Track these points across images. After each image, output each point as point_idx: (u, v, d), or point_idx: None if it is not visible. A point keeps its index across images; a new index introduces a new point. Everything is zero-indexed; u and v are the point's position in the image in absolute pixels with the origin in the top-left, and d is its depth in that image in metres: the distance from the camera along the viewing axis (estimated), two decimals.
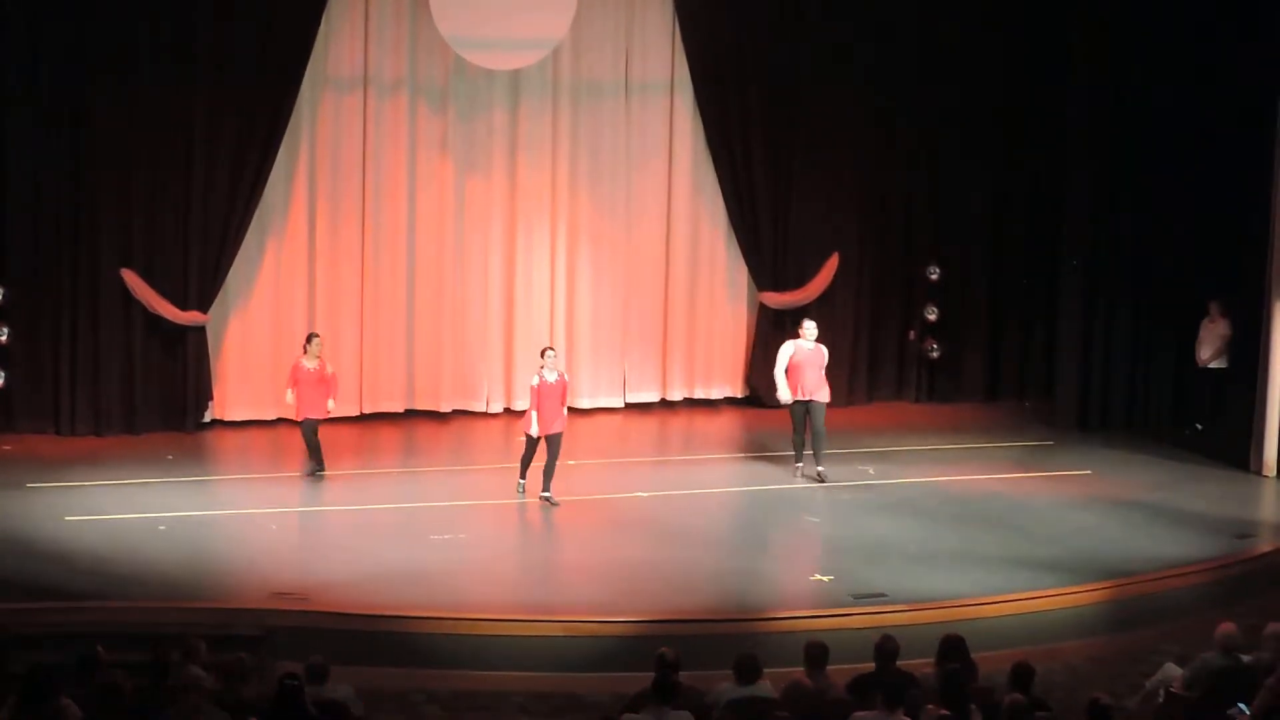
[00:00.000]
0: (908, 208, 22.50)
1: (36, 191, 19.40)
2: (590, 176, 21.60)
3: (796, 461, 18.73)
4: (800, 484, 18.42)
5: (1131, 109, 20.95)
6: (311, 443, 18.16)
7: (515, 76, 21.05)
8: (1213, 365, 20.60)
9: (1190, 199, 20.79)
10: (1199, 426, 20.72)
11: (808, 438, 18.59)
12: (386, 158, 20.78)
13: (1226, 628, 12.24)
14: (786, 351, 18.62)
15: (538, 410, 17.14)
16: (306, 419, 18.15)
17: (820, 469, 18.46)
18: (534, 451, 17.36)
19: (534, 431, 17.18)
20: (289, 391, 18.33)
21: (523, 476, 17.52)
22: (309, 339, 18.41)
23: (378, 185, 20.77)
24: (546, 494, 17.32)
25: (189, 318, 19.93)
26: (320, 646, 12.39)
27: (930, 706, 10.73)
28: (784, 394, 18.55)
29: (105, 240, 19.64)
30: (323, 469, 18.19)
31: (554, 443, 17.28)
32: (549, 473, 17.32)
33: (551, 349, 17.63)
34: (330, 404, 18.30)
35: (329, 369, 18.38)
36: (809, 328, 18.67)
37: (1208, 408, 20.78)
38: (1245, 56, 19.86)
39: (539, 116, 21.25)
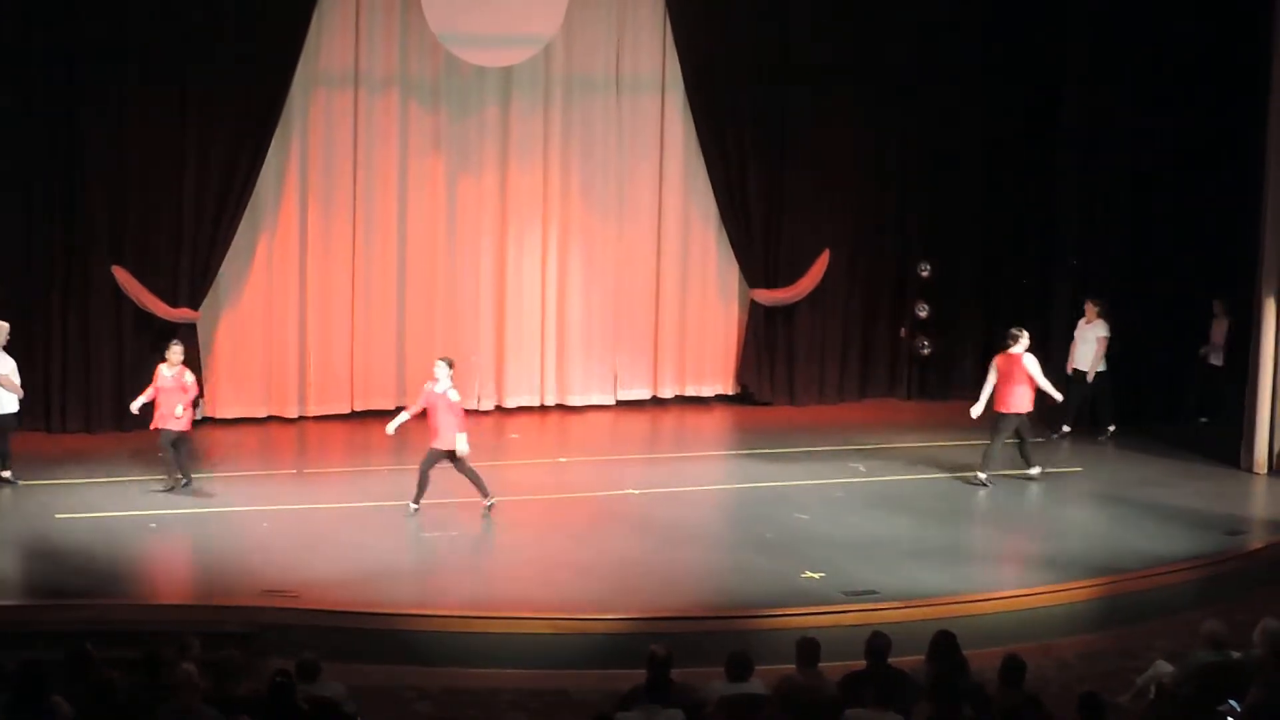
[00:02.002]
0: (898, 204, 22.52)
1: (27, 189, 19.37)
2: (581, 174, 21.60)
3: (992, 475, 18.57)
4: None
5: (1123, 107, 20.96)
6: (165, 455, 17.31)
7: (507, 73, 21.04)
8: (1082, 368, 20.48)
9: (1182, 196, 20.80)
10: (1067, 429, 20.57)
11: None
12: (378, 155, 20.77)
13: (1213, 624, 12.27)
14: (1035, 362, 18.51)
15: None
16: (162, 429, 17.27)
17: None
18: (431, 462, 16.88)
19: None
20: (140, 399, 17.54)
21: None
22: (169, 345, 17.54)
23: (369, 182, 20.76)
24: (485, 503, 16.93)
25: (180, 315, 19.90)
26: (311, 644, 12.39)
27: (922, 703, 10.75)
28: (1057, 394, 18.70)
29: (96, 237, 19.61)
30: (187, 480, 17.41)
31: (454, 461, 16.82)
32: (474, 483, 16.87)
33: (441, 360, 17.08)
34: (179, 410, 17.18)
35: (187, 377, 17.44)
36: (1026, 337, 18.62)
37: (1084, 415, 20.71)
38: (1235, 54, 19.88)
39: (530, 114, 21.24)
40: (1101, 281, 21.19)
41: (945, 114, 22.24)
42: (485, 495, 16.87)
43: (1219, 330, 20.70)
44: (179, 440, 17.36)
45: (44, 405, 19.69)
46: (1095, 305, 20.42)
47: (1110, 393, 20.59)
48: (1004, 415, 18.44)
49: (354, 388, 20.94)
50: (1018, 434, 18.53)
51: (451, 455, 16.75)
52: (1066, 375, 20.51)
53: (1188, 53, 20.45)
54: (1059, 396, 18.82)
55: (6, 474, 17.56)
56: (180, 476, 17.39)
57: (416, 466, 16.88)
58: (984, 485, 18.36)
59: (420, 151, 20.95)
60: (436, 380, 16.89)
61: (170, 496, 17.21)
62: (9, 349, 17.60)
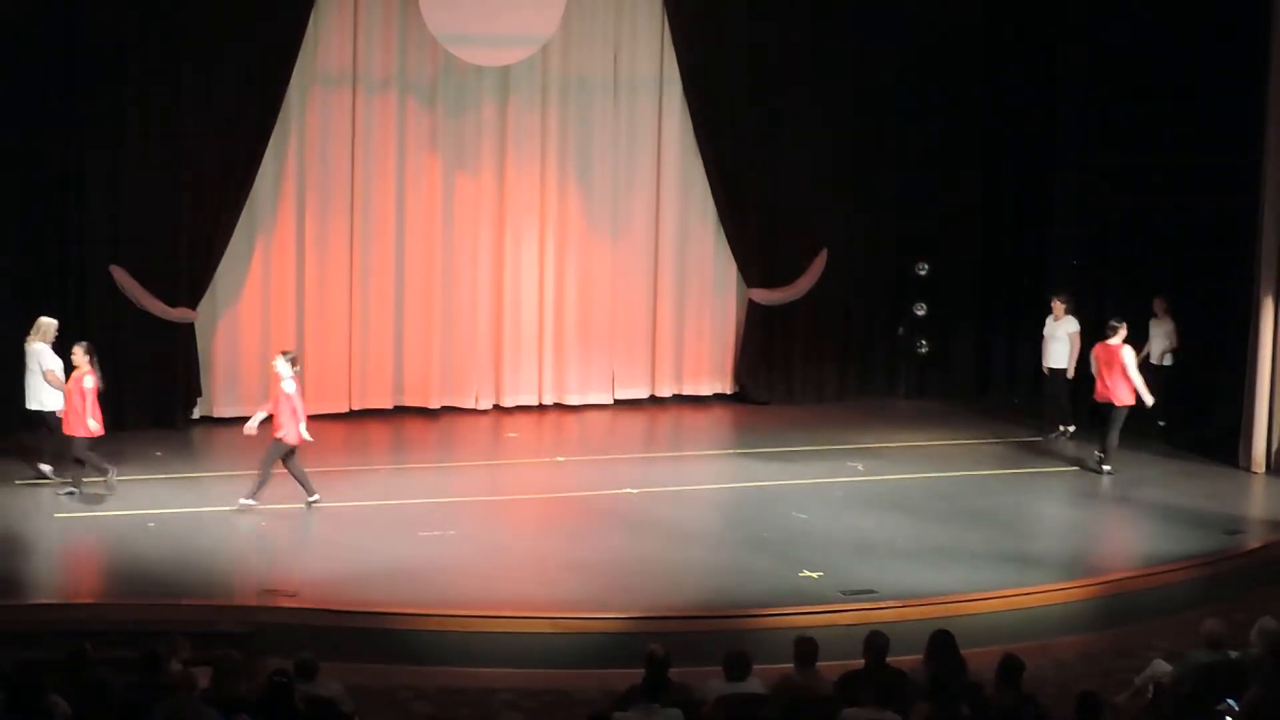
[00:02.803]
0: (896, 204, 22.51)
1: (25, 188, 19.35)
2: (579, 173, 21.60)
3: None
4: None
5: (1121, 105, 20.98)
6: (84, 458, 16.97)
7: (504, 73, 21.04)
8: (1058, 365, 20.37)
9: (1180, 196, 20.78)
10: (1071, 429, 20.45)
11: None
12: (375, 154, 20.77)
13: (1212, 623, 12.28)
14: (1131, 355, 18.88)
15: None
16: (72, 435, 16.90)
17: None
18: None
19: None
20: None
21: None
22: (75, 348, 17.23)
23: (367, 182, 20.76)
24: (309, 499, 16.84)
25: (178, 314, 19.90)
26: (309, 643, 12.37)
27: (919, 703, 10.75)
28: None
29: (94, 237, 19.61)
30: (74, 489, 17.03)
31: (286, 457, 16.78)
32: (300, 482, 16.83)
33: (281, 354, 16.88)
34: (55, 404, 17.01)
35: (86, 382, 16.79)
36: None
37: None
38: (1235, 54, 19.86)
39: (528, 113, 21.24)
40: (1096, 279, 21.23)
41: (944, 113, 22.24)
42: (310, 492, 16.77)
43: (1160, 330, 20.57)
44: (78, 444, 16.98)
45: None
46: (1063, 302, 20.36)
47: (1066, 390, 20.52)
48: (1110, 405, 18.87)
49: (351, 387, 20.93)
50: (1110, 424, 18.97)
51: (291, 450, 16.67)
52: (1041, 375, 20.58)
53: (1187, 51, 20.43)
54: (1149, 399, 18.84)
55: (47, 467, 17.55)
56: (67, 481, 17.13)
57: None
58: (1109, 474, 18.89)
59: (418, 151, 20.95)
60: (280, 376, 16.78)
61: (163, 495, 17.17)
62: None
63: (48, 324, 17.62)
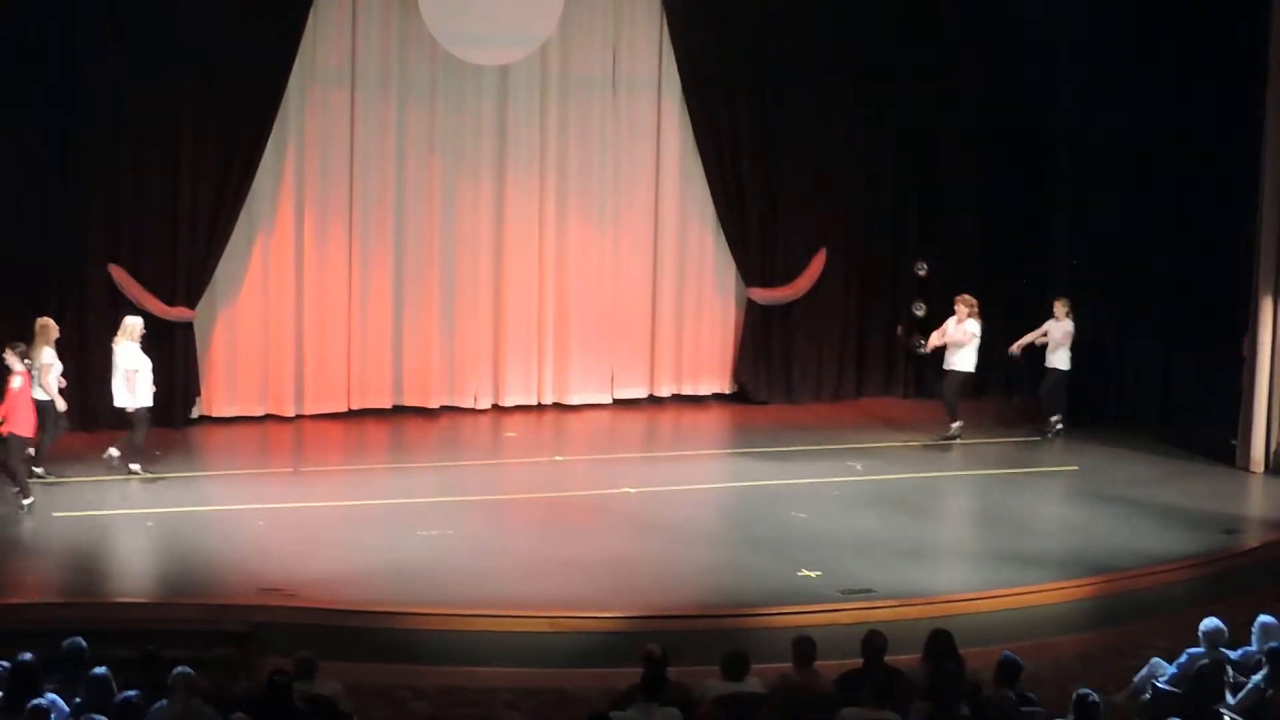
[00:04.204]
0: (895, 203, 22.52)
1: (23, 187, 19.35)
2: (578, 172, 21.59)
3: None
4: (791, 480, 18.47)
5: (1121, 105, 20.98)
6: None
7: (503, 72, 21.04)
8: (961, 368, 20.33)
9: (1179, 196, 20.80)
10: (959, 425, 20.44)
11: None
12: (374, 153, 20.76)
13: (1211, 623, 12.29)
14: None
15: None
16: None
17: None
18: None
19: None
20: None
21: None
22: None
23: (365, 181, 20.76)
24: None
25: (176, 314, 19.90)
26: (307, 642, 12.37)
27: (918, 702, 10.76)
28: None
29: (92, 236, 19.61)
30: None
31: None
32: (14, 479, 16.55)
33: (8, 347, 16.68)
34: None
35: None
36: None
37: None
38: (1231, 52, 19.88)
39: (527, 113, 21.24)
40: (1095, 279, 21.26)
41: (942, 113, 22.24)
42: (25, 495, 16.44)
43: (1060, 330, 20.45)
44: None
45: None
46: (965, 305, 20.30)
47: (960, 389, 20.42)
48: None
49: (350, 386, 20.93)
50: None
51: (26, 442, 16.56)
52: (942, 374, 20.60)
53: (1188, 50, 20.44)
54: None
55: (135, 466, 17.74)
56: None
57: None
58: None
59: (416, 150, 20.94)
60: (12, 371, 16.64)
61: (162, 495, 17.17)
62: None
63: (132, 324, 17.96)
